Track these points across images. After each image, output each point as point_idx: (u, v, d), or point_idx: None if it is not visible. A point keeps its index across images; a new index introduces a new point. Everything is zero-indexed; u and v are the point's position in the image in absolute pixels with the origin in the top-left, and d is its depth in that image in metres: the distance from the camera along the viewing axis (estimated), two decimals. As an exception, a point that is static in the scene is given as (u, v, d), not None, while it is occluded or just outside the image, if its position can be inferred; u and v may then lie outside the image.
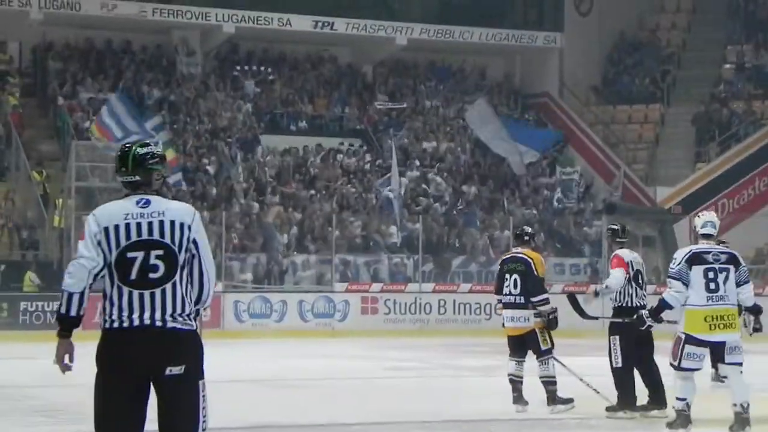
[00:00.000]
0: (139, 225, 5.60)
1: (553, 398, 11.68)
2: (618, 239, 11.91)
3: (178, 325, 5.54)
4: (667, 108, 36.09)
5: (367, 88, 35.01)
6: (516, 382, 11.84)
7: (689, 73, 36.47)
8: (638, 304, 11.36)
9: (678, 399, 10.27)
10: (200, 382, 5.58)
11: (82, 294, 5.62)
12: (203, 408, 5.56)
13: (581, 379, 11.97)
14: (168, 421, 5.53)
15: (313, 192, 30.24)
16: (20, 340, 21.61)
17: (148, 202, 5.66)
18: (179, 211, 5.67)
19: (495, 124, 32.31)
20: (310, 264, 28.17)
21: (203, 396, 5.58)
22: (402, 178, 29.98)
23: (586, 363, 13.60)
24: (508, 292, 11.78)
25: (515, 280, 11.73)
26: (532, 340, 11.71)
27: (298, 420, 11.46)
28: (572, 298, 11.76)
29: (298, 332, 25.26)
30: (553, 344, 11.75)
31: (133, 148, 5.76)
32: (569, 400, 11.68)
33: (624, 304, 11.50)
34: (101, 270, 5.61)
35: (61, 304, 5.64)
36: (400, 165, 30.02)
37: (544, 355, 11.67)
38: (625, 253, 11.70)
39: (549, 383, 11.68)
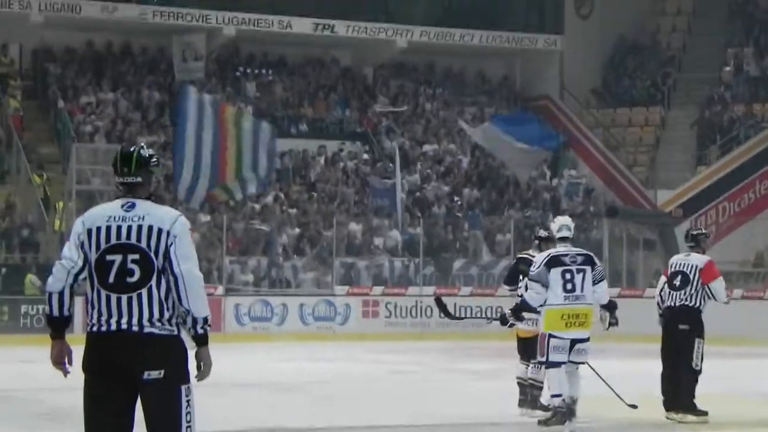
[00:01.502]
0: (119, 228, 5.61)
1: (535, 402, 11.69)
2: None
3: (156, 330, 5.53)
4: (668, 111, 36.07)
5: (367, 91, 34.98)
6: (524, 386, 11.79)
7: (690, 76, 36.44)
8: (672, 305, 11.65)
9: (554, 396, 10.55)
10: (183, 387, 5.55)
11: (61, 294, 5.67)
12: (187, 413, 5.52)
13: (608, 385, 11.73)
14: (150, 426, 5.53)
15: (314, 194, 30.20)
16: (22, 344, 21.57)
17: (132, 206, 5.66)
18: (160, 216, 5.63)
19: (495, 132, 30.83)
20: (311, 267, 28.11)
21: (187, 401, 5.54)
22: (402, 182, 29.94)
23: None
24: (520, 294, 11.75)
25: (526, 282, 11.69)
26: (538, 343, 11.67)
27: (299, 423, 11.46)
28: (438, 301, 12.56)
29: (299, 335, 25.25)
30: None
31: (137, 149, 5.77)
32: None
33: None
34: (81, 271, 5.64)
35: (46, 306, 5.70)
36: (400, 169, 29.95)
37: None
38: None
39: (536, 387, 11.70)
